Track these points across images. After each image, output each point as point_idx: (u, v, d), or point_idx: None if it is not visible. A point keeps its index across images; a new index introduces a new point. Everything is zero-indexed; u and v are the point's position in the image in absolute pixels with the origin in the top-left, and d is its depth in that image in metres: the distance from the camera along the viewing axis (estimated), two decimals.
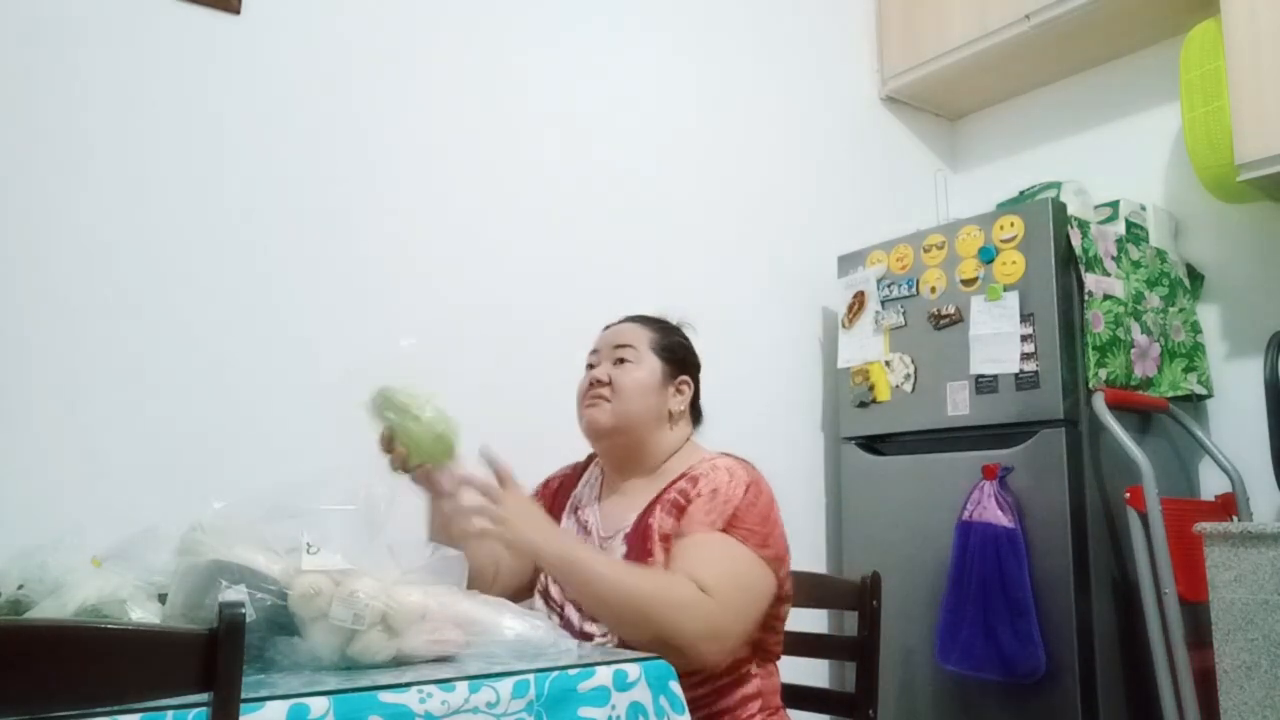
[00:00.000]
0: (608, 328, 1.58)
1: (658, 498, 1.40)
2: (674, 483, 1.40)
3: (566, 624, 1.36)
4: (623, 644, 1.25)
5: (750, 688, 1.34)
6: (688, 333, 1.59)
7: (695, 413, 1.56)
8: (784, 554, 1.36)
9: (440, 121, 1.97)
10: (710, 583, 1.23)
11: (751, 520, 1.31)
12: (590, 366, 1.53)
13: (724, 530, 1.30)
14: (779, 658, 1.43)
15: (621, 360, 1.48)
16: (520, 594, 1.50)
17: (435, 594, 1.03)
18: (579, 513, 1.51)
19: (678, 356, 1.52)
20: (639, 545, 1.35)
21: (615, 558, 1.34)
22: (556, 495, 1.58)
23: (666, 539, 1.33)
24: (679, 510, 1.35)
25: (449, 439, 1.37)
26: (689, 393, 1.53)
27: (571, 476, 1.60)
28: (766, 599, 1.32)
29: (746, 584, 1.29)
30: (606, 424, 1.45)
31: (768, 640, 1.38)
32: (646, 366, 1.48)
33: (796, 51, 2.63)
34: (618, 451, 1.49)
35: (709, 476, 1.37)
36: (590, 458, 1.62)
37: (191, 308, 1.64)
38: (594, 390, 1.47)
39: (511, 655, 1.03)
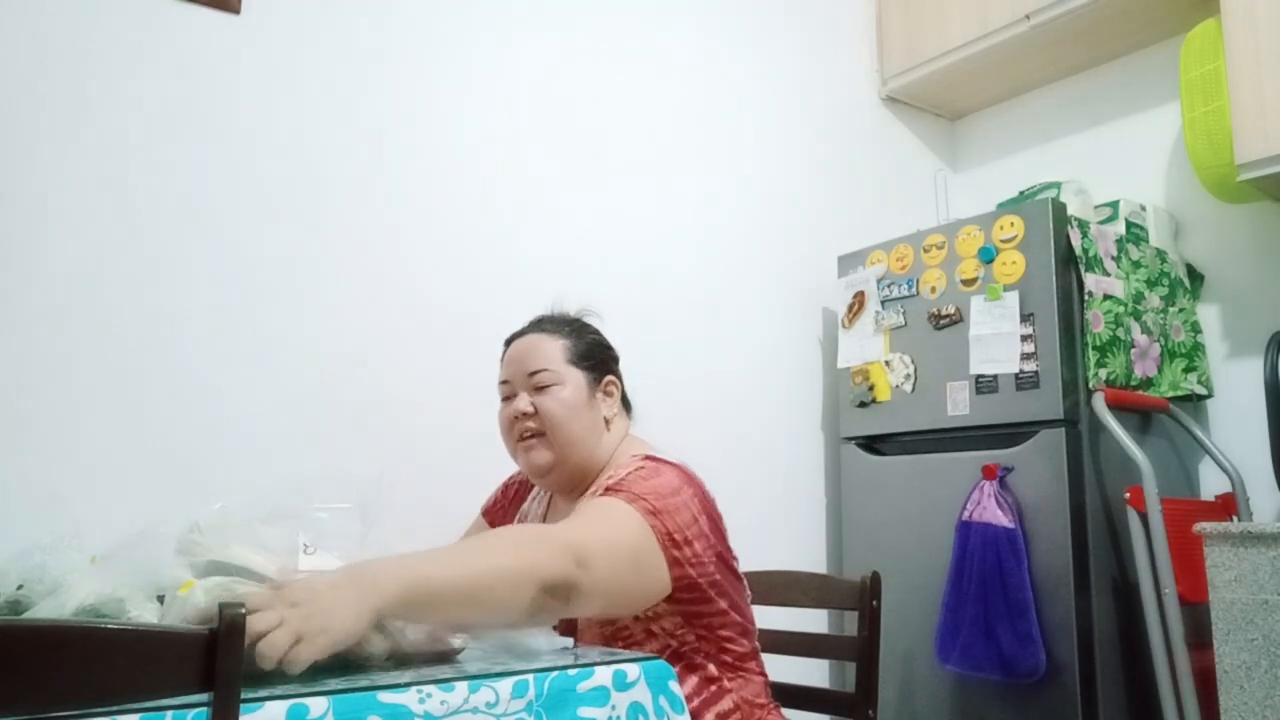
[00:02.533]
0: (509, 342, 1.43)
1: None
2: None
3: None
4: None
5: (726, 704, 1.25)
6: (594, 322, 1.46)
7: (625, 405, 1.44)
8: (686, 539, 1.19)
9: (440, 120, 1.97)
10: (571, 530, 1.09)
11: (640, 488, 1.17)
12: (506, 399, 1.38)
13: (604, 495, 1.17)
14: (755, 658, 1.33)
15: (539, 387, 1.34)
16: None
17: None
18: None
19: (597, 358, 1.40)
20: None
21: (431, 561, 0.99)
22: (513, 501, 1.54)
23: None
24: None
25: None
26: (617, 392, 1.42)
27: (523, 487, 1.55)
28: (651, 558, 1.15)
29: (614, 529, 1.13)
30: (549, 463, 1.33)
31: (730, 650, 1.28)
32: (570, 384, 1.34)
33: (796, 51, 2.63)
34: (561, 482, 1.38)
35: (607, 474, 1.28)
36: None
37: (190, 308, 1.64)
38: (521, 425, 1.33)
39: (511, 656, 1.03)
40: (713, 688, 1.25)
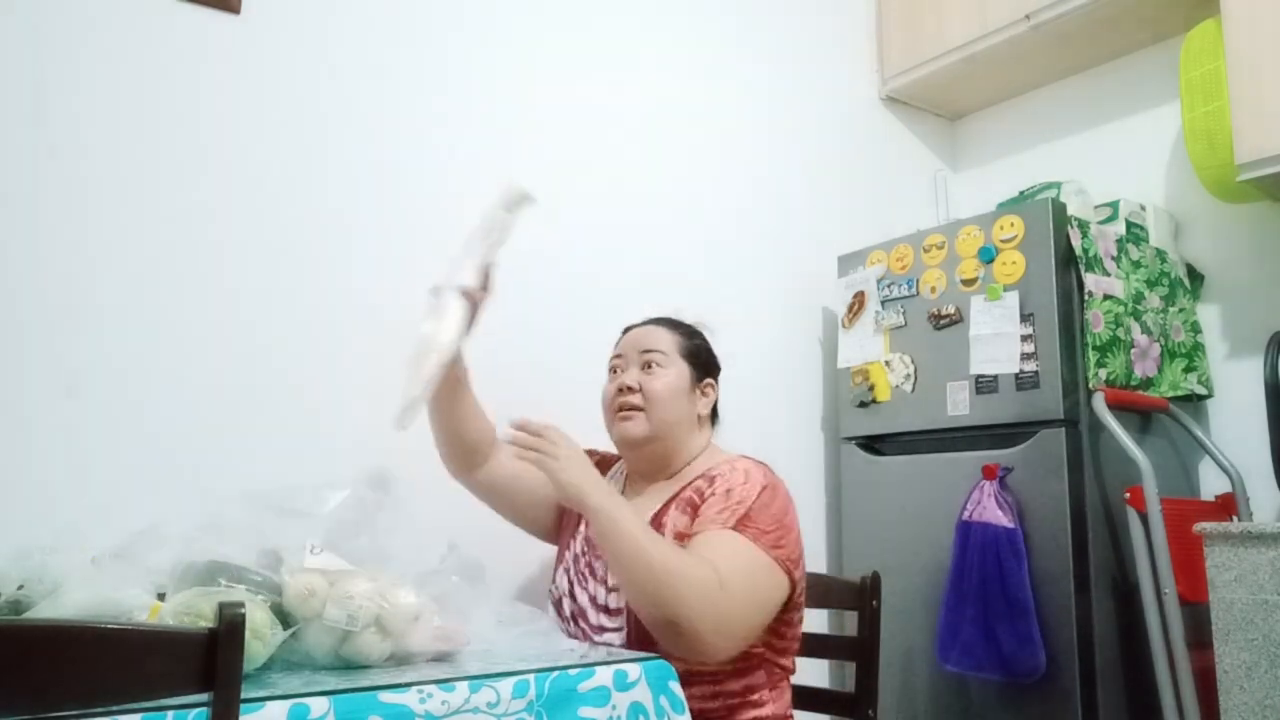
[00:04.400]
0: (628, 329, 1.57)
1: (674, 496, 1.39)
2: (692, 482, 1.40)
3: (581, 634, 1.36)
4: (638, 635, 1.24)
5: (764, 711, 1.33)
6: (706, 335, 1.59)
7: (713, 414, 1.56)
8: (798, 558, 1.34)
9: (441, 121, 1.97)
10: (724, 576, 1.21)
11: (764, 521, 1.30)
12: (614, 370, 1.51)
13: (735, 529, 1.28)
14: (792, 673, 1.40)
15: (649, 365, 1.46)
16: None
17: (429, 594, 1.03)
18: None
19: (702, 359, 1.53)
20: None
21: (650, 528, 1.29)
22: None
23: (681, 537, 1.32)
24: (693, 508, 1.34)
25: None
26: (714, 396, 1.54)
27: (601, 465, 1.58)
28: (776, 601, 1.30)
29: (757, 583, 1.26)
30: (641, 435, 1.44)
31: (780, 659, 1.36)
32: (675, 370, 1.48)
33: (796, 51, 2.63)
34: (647, 461, 1.48)
35: (725, 476, 1.36)
36: (616, 455, 1.61)
37: (190, 307, 1.64)
38: (623, 398, 1.45)
39: (508, 641, 1.03)
40: (756, 694, 1.32)
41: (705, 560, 1.22)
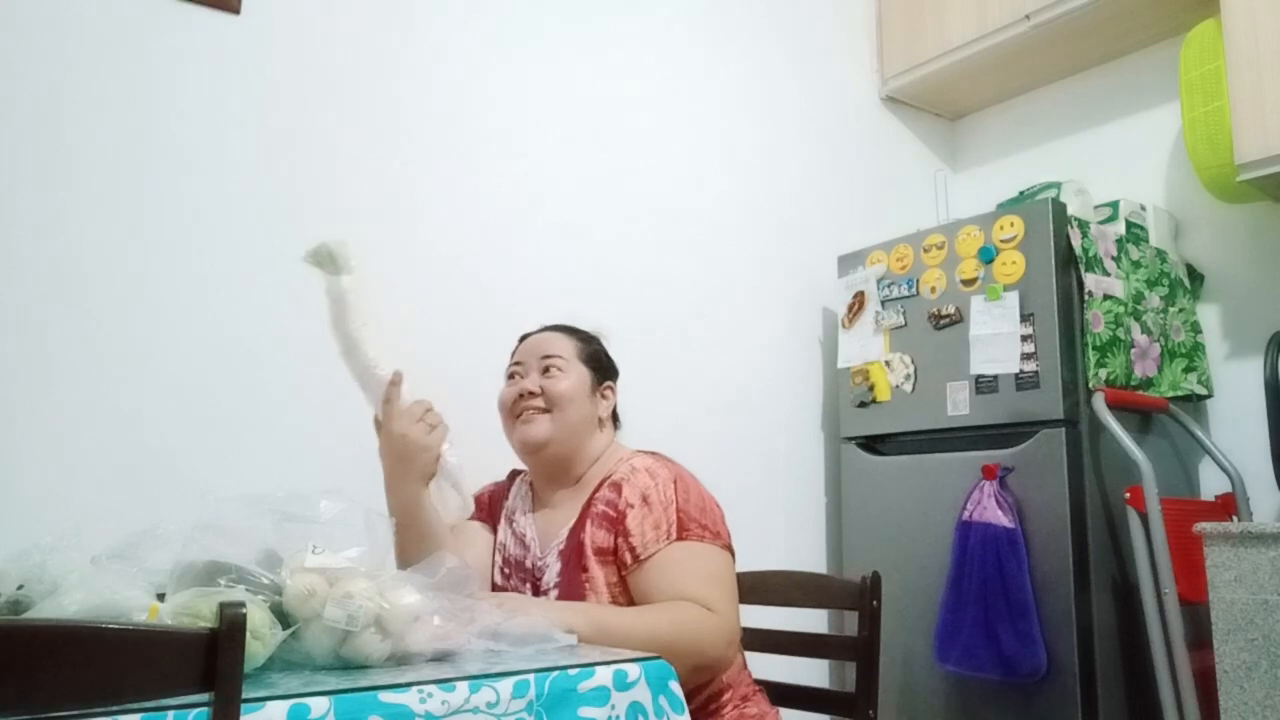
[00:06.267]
0: (525, 337, 1.57)
1: (586, 510, 1.39)
2: (597, 491, 1.39)
3: None
4: None
5: (718, 685, 1.35)
6: (602, 340, 1.59)
7: (614, 418, 1.56)
8: (727, 531, 1.39)
9: (441, 119, 1.97)
10: (705, 596, 1.27)
11: (693, 513, 1.34)
12: (512, 377, 1.51)
13: (680, 538, 1.31)
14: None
15: (549, 370, 1.46)
16: None
17: (429, 594, 1.03)
18: (514, 524, 1.50)
19: (601, 364, 1.54)
20: (574, 561, 1.35)
21: (611, 608, 1.30)
22: (490, 508, 1.55)
23: (601, 552, 1.33)
24: (610, 522, 1.34)
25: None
26: (613, 399, 1.54)
27: (499, 491, 1.58)
28: (734, 578, 1.37)
29: (724, 580, 1.34)
30: (543, 437, 1.43)
31: None
32: (575, 374, 1.48)
33: (797, 51, 2.63)
34: (550, 464, 1.47)
35: (630, 481, 1.36)
36: (512, 475, 1.60)
37: (190, 308, 1.64)
38: (524, 402, 1.45)
39: (513, 644, 1.03)
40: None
41: (679, 600, 1.27)
